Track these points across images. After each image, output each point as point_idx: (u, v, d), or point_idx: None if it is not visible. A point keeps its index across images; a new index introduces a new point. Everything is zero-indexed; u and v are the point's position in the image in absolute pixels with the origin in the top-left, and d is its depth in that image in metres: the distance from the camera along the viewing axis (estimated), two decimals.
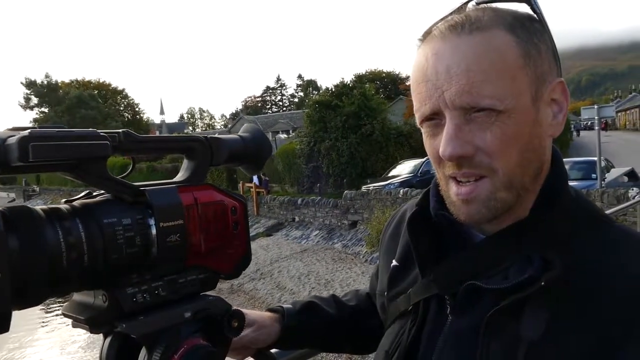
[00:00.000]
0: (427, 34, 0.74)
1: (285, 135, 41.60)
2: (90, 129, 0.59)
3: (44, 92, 56.56)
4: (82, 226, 0.57)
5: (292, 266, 13.44)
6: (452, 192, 0.74)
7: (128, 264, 0.61)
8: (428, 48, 0.72)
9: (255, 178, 20.26)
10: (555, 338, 0.65)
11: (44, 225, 0.54)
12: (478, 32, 0.69)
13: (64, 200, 0.63)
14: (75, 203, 0.61)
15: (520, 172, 0.72)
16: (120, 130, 0.63)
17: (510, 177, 0.71)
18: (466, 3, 0.74)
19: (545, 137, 0.74)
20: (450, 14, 0.74)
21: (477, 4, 0.74)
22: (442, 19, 0.74)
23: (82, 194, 0.65)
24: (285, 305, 1.05)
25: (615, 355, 0.62)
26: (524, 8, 0.74)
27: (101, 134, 0.59)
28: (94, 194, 0.65)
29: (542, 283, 0.66)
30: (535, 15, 0.74)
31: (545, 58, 0.72)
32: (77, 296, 0.64)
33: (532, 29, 0.72)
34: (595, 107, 14.03)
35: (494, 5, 0.73)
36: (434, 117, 0.73)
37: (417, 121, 0.76)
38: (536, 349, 0.66)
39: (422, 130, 0.77)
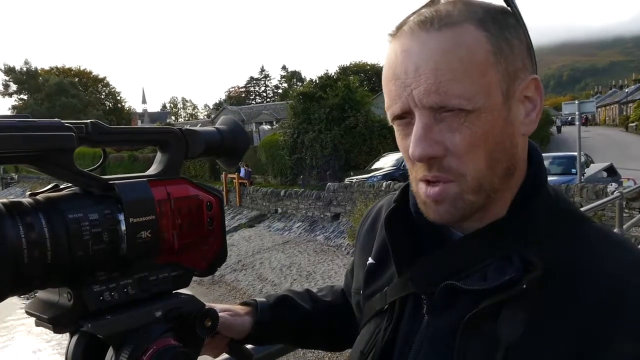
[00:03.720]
0: (397, 29, 0.72)
1: (269, 127, 41.42)
2: (55, 120, 0.56)
3: (23, 79, 55.57)
4: (45, 221, 0.54)
5: (274, 258, 13.43)
6: (422, 192, 0.73)
7: (95, 261, 0.58)
8: (397, 44, 0.70)
9: (242, 170, 20.18)
10: (535, 339, 0.64)
11: (4, 220, 0.51)
12: (447, 28, 0.66)
13: (28, 193, 0.60)
14: (39, 197, 0.58)
15: (489, 174, 0.70)
16: (88, 121, 0.60)
17: (479, 180, 0.70)
18: None
19: (517, 135, 0.72)
20: (423, 7, 0.71)
21: None
22: (413, 13, 0.72)
23: (48, 187, 0.62)
24: (258, 299, 1.03)
25: (597, 355, 0.61)
26: (498, 1, 0.72)
27: (66, 124, 0.56)
28: (61, 187, 0.62)
29: (524, 285, 0.65)
30: (509, 9, 0.71)
31: (518, 54, 0.70)
32: (41, 294, 0.61)
33: (504, 24, 0.69)
34: (576, 102, 14.18)
35: (469, 0, 0.70)
36: (405, 116, 0.71)
37: (389, 119, 0.74)
38: (515, 351, 0.65)
39: (395, 129, 0.75)
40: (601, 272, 0.66)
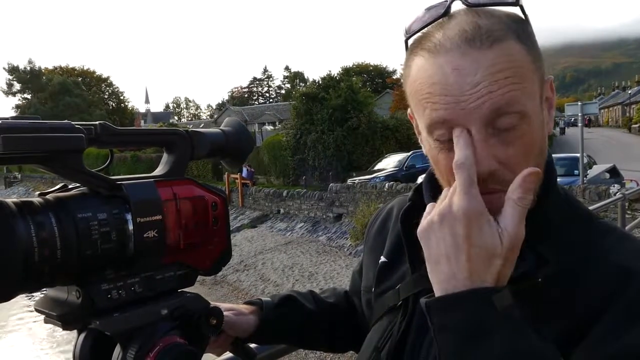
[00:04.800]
0: (427, 43, 0.72)
1: (272, 127, 41.45)
2: (65, 121, 0.57)
3: (26, 78, 55.63)
4: (55, 220, 0.55)
5: (276, 258, 13.43)
6: None
7: (103, 260, 0.59)
8: (444, 61, 0.69)
9: (245, 170, 20.19)
10: (547, 331, 0.66)
11: (15, 219, 0.52)
12: (496, 43, 0.68)
13: (37, 193, 0.61)
14: (49, 197, 0.59)
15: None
16: (97, 123, 0.62)
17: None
18: (450, 3, 0.73)
19: (546, 136, 0.75)
20: (440, 17, 0.72)
21: (468, 5, 0.72)
22: (432, 24, 0.72)
23: (57, 187, 0.63)
24: (263, 298, 1.05)
25: (593, 332, 0.63)
26: (514, 9, 0.73)
27: (76, 126, 0.57)
28: (70, 187, 0.64)
29: (539, 279, 0.68)
30: (523, 17, 0.73)
31: (542, 59, 0.73)
32: (50, 292, 0.63)
33: (529, 32, 0.72)
34: (579, 104, 14.15)
35: (489, 9, 0.72)
36: (444, 131, 0.71)
37: (431, 136, 0.73)
38: None
39: (431, 143, 0.74)
40: (608, 262, 0.69)
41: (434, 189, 0.82)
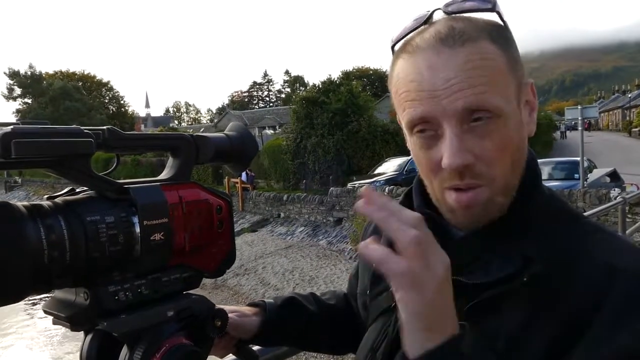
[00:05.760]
0: (407, 46, 0.76)
1: (272, 131, 41.49)
2: (74, 126, 0.58)
3: (27, 83, 55.71)
4: (64, 223, 0.56)
5: (277, 262, 13.42)
6: (452, 199, 0.76)
7: (111, 262, 0.60)
8: (420, 60, 0.73)
9: (243, 174, 20.20)
10: (533, 331, 0.67)
11: (26, 222, 0.54)
12: (469, 43, 0.71)
13: (46, 196, 0.62)
14: (57, 200, 0.60)
15: (513, 176, 0.76)
16: (104, 127, 0.63)
17: (506, 182, 0.75)
18: (432, 13, 0.77)
19: (526, 137, 0.79)
20: (422, 24, 0.77)
21: (448, 14, 0.76)
22: (414, 30, 0.77)
23: (65, 190, 0.65)
24: (266, 300, 1.06)
25: (579, 339, 0.64)
26: (492, 16, 0.77)
27: (85, 131, 0.59)
28: (77, 190, 0.65)
29: (525, 279, 0.69)
30: (502, 24, 0.77)
31: (520, 63, 0.76)
32: (58, 293, 0.64)
33: (506, 37, 0.76)
34: (579, 107, 14.17)
35: (467, 15, 0.76)
36: (426, 128, 0.74)
37: (407, 130, 0.77)
38: (515, 341, 0.68)
39: (413, 142, 0.78)
40: (592, 260, 0.70)
41: (424, 194, 0.84)
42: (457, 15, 0.76)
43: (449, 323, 0.62)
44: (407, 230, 0.60)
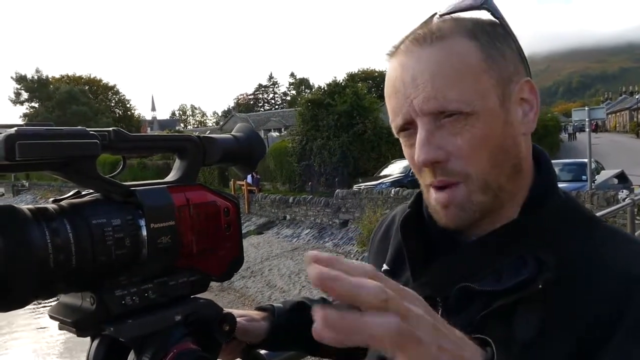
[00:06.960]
0: (395, 49, 0.78)
1: (277, 134, 41.54)
2: (79, 127, 0.57)
3: (34, 87, 56.10)
4: (70, 227, 0.55)
5: (283, 264, 13.41)
6: (432, 198, 0.77)
7: (117, 266, 0.59)
8: (396, 62, 0.76)
9: (249, 177, 20.23)
10: (549, 338, 0.65)
11: (31, 225, 0.52)
12: (438, 41, 0.72)
13: (51, 199, 0.61)
14: (63, 203, 0.59)
15: (494, 173, 0.74)
16: (110, 129, 0.62)
17: (485, 179, 0.73)
18: (431, 17, 0.78)
19: (518, 135, 0.76)
20: (417, 28, 0.78)
21: (440, 16, 0.77)
22: (409, 34, 0.78)
23: (71, 193, 0.63)
24: (275, 304, 1.04)
25: (602, 349, 0.62)
26: (488, 15, 0.77)
27: (91, 132, 0.57)
28: (83, 193, 0.64)
29: (540, 285, 0.67)
30: (497, 21, 0.77)
31: (509, 60, 0.75)
32: (64, 298, 0.62)
33: (493, 34, 0.75)
34: (586, 109, 14.10)
35: (456, 15, 0.77)
36: (408, 127, 0.76)
37: (394, 132, 0.79)
38: (530, 349, 0.65)
39: (401, 141, 0.80)
40: (611, 267, 0.68)
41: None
42: (446, 16, 0.77)
43: (467, 348, 0.52)
44: (368, 283, 0.46)
